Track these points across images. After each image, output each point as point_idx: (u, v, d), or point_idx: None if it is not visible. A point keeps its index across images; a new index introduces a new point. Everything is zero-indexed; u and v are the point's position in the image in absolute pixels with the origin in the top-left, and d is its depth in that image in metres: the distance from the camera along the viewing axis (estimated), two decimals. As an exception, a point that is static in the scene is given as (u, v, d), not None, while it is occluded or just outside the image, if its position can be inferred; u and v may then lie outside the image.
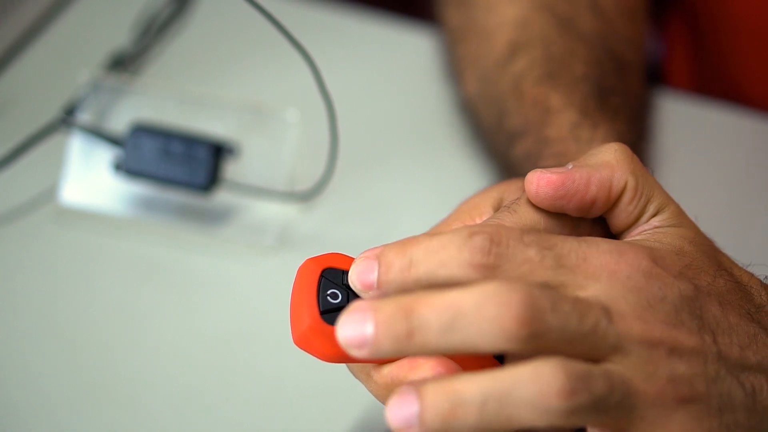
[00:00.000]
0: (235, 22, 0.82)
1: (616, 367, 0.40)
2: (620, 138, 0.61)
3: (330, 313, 0.45)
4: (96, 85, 0.72)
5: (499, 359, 0.47)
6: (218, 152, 0.67)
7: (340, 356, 0.45)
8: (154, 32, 0.80)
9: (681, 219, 0.46)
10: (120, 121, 0.70)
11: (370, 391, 0.46)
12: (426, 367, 0.44)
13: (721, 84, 0.83)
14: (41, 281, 0.67)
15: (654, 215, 0.46)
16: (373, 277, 0.42)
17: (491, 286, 0.39)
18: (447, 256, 0.41)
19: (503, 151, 0.66)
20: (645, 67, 0.73)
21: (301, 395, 0.62)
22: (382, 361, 0.45)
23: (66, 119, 0.70)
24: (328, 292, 0.45)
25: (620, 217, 0.46)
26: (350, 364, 0.47)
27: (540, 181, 0.45)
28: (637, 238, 0.46)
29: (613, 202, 0.46)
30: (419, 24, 0.83)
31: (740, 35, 0.80)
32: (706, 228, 0.47)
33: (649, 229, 0.46)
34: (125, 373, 0.63)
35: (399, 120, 0.77)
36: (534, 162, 0.61)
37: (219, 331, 0.65)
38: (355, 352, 0.40)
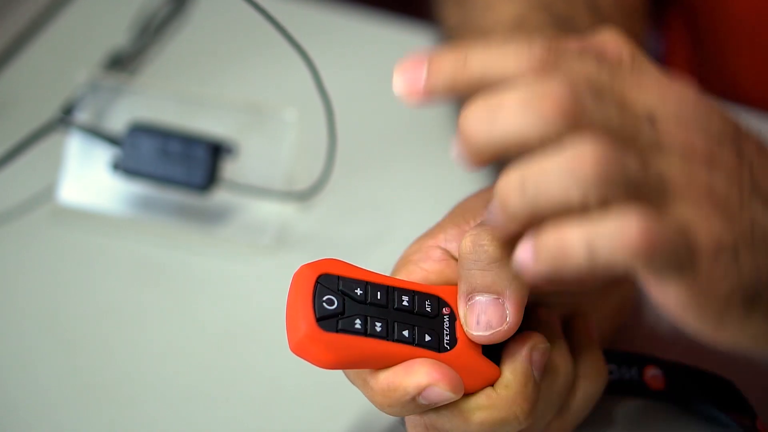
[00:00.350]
0: (233, 22, 0.82)
1: (653, 158, 0.41)
2: None
3: (326, 320, 0.44)
4: (94, 84, 0.72)
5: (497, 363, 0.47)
6: (216, 152, 0.67)
7: (337, 363, 0.44)
8: (152, 32, 0.80)
9: None
10: (118, 121, 0.70)
11: (367, 397, 0.46)
12: (422, 373, 0.44)
13: (721, 84, 0.83)
14: (39, 281, 0.67)
15: None
16: (421, 82, 0.42)
17: (539, 78, 0.40)
18: (504, 56, 0.41)
19: None
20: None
21: (301, 395, 0.62)
22: (377, 367, 0.45)
23: (64, 119, 0.70)
24: (324, 299, 0.44)
25: None
26: (347, 371, 0.47)
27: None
28: None
29: None
30: (419, 24, 0.83)
31: (740, 35, 0.80)
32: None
33: None
34: (122, 372, 0.63)
35: (397, 120, 0.77)
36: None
37: (217, 331, 0.65)
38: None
